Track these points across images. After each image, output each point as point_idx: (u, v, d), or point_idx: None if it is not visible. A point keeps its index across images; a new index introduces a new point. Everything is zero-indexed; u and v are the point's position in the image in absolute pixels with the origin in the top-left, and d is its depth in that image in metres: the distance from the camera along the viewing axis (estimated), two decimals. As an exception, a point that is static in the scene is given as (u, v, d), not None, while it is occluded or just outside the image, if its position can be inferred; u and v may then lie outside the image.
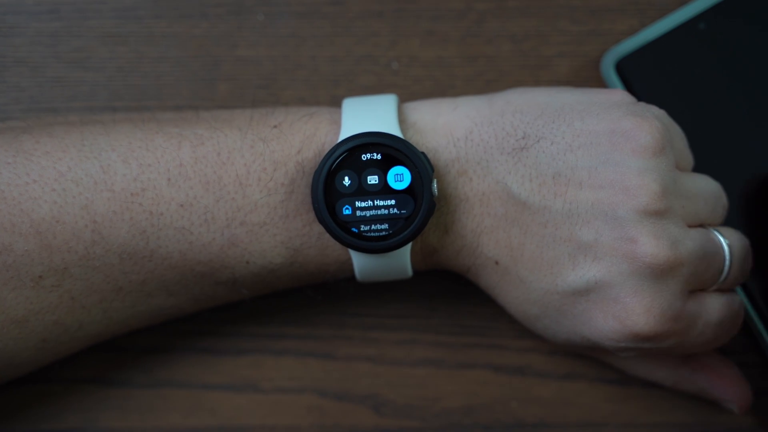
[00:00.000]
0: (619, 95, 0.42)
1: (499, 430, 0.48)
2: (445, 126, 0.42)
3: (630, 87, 0.48)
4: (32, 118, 0.44)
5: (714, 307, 0.41)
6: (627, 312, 0.39)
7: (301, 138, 0.42)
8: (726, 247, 0.42)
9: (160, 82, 0.50)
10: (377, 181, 0.41)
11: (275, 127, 0.42)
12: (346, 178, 0.41)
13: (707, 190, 0.42)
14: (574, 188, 0.40)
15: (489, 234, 0.42)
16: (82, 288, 0.41)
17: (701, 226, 0.42)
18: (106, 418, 0.48)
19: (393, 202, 0.41)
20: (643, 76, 0.48)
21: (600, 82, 0.50)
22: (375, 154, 0.41)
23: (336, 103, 0.50)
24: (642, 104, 0.41)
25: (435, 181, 0.40)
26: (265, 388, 0.48)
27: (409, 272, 0.42)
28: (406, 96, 0.50)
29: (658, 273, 0.39)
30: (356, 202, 0.41)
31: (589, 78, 0.50)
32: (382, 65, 0.50)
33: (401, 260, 0.42)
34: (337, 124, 0.42)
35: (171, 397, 0.48)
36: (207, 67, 0.50)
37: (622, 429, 0.48)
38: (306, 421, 0.48)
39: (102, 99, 0.50)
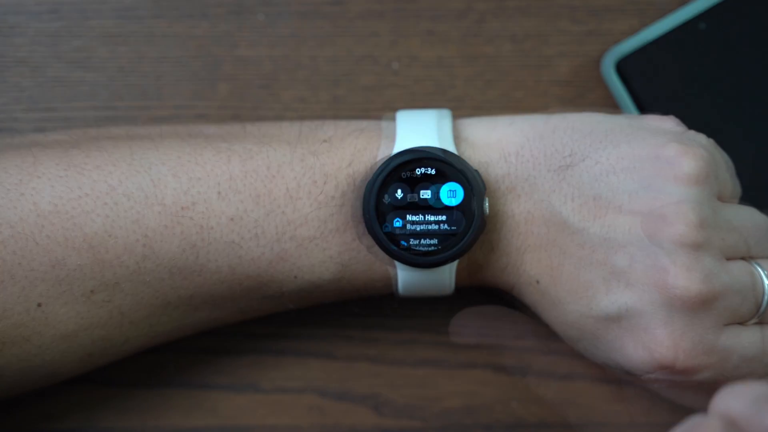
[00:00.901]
0: (670, 123, 0.42)
1: (499, 430, 0.48)
2: (499, 141, 0.42)
3: (630, 87, 0.48)
4: (76, 130, 0.44)
5: (750, 341, 0.40)
6: (656, 343, 0.39)
7: (352, 151, 0.41)
8: (766, 281, 0.40)
9: (160, 82, 0.50)
10: (430, 196, 0.41)
11: (325, 141, 0.42)
12: (399, 191, 0.40)
13: (751, 222, 0.41)
14: (613, 212, 0.40)
15: (532, 253, 0.41)
16: (132, 303, 0.41)
17: (743, 258, 0.41)
18: (106, 418, 0.48)
19: (444, 218, 0.40)
20: (643, 76, 0.48)
21: (600, 82, 0.50)
22: (429, 168, 0.41)
23: (337, 102, 0.50)
24: (691, 132, 0.41)
25: (487, 199, 0.40)
26: (265, 388, 0.48)
27: (452, 289, 0.42)
28: (407, 96, 0.50)
29: (690, 306, 0.38)
30: (407, 216, 0.40)
31: (589, 78, 0.50)
32: (382, 65, 0.50)
33: (446, 277, 0.42)
34: (388, 139, 0.42)
35: (171, 397, 0.48)
36: (207, 67, 0.50)
37: (622, 429, 0.48)
38: (306, 421, 0.48)
39: (102, 99, 0.50)
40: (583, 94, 0.50)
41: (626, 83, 0.48)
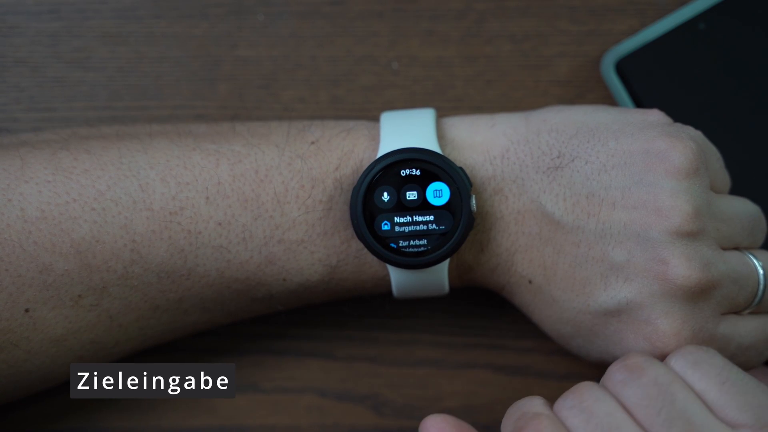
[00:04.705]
0: (654, 115, 0.42)
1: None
2: (482, 143, 0.42)
3: (630, 87, 0.48)
4: (66, 130, 0.44)
5: (747, 330, 0.41)
6: (657, 334, 0.39)
7: (338, 154, 0.41)
8: (760, 270, 0.41)
9: (160, 82, 0.50)
10: (416, 197, 0.41)
11: (313, 143, 0.42)
12: (385, 194, 0.41)
13: (744, 213, 0.42)
14: (607, 208, 0.40)
15: (523, 253, 0.42)
16: (120, 307, 0.41)
17: (737, 249, 0.41)
18: (106, 418, 0.48)
19: (432, 218, 0.41)
20: (642, 76, 0.48)
21: (600, 82, 0.50)
22: (414, 169, 0.41)
23: (337, 102, 0.50)
24: (678, 125, 0.41)
25: (473, 196, 0.40)
26: (265, 388, 0.48)
27: (446, 289, 0.42)
28: (407, 96, 0.50)
29: (690, 295, 0.38)
30: (395, 218, 0.41)
31: (589, 78, 0.50)
32: (382, 65, 0.50)
33: (439, 276, 0.42)
34: (375, 140, 0.42)
35: (171, 398, 0.48)
36: (207, 67, 0.50)
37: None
38: (306, 421, 0.48)
39: (102, 99, 0.50)
40: (583, 94, 0.50)
41: (626, 83, 0.48)
